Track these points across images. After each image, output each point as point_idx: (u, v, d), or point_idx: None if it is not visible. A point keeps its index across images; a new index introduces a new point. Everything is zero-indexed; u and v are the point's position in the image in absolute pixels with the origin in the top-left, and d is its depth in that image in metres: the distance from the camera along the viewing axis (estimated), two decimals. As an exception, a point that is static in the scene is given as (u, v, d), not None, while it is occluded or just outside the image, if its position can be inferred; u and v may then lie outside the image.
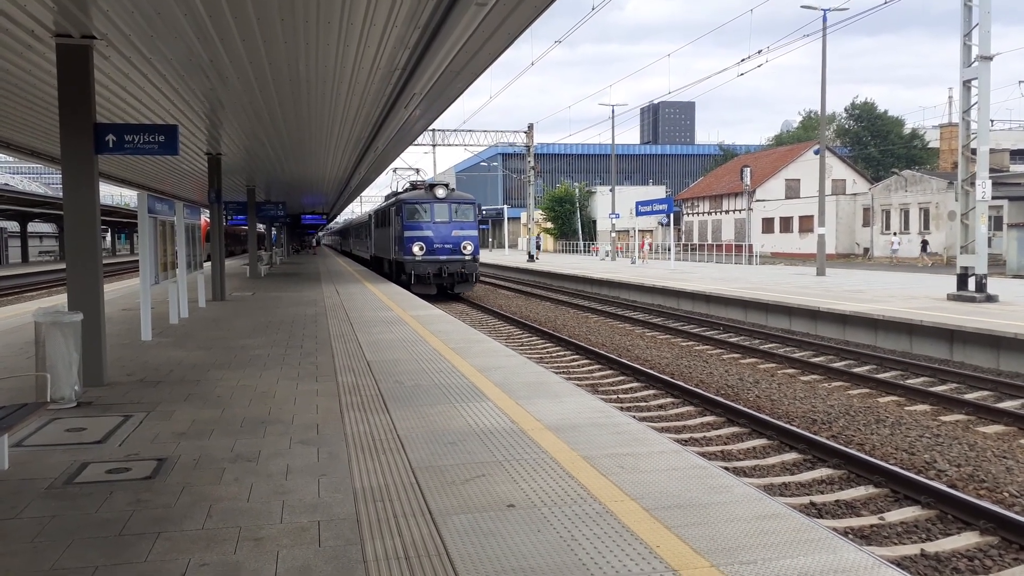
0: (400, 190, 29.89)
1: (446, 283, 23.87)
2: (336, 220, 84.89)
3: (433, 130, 41.79)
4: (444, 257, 23.68)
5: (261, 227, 41.20)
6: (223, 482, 4.66)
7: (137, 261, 11.42)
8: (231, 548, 3.68)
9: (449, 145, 43.34)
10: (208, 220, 21.58)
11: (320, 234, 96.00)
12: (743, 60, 24.93)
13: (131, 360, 9.16)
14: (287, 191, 31.37)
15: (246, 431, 5.84)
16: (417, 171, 33.14)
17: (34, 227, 65.15)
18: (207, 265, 18.52)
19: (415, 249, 23.46)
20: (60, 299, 15.38)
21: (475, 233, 24.45)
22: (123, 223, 66.05)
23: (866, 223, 49.71)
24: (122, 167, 20.26)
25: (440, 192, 24.35)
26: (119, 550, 3.67)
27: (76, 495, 4.45)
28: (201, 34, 7.50)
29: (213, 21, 7.08)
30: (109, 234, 74.37)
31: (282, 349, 9.95)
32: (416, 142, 24.30)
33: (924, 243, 42.53)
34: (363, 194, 70.78)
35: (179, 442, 5.55)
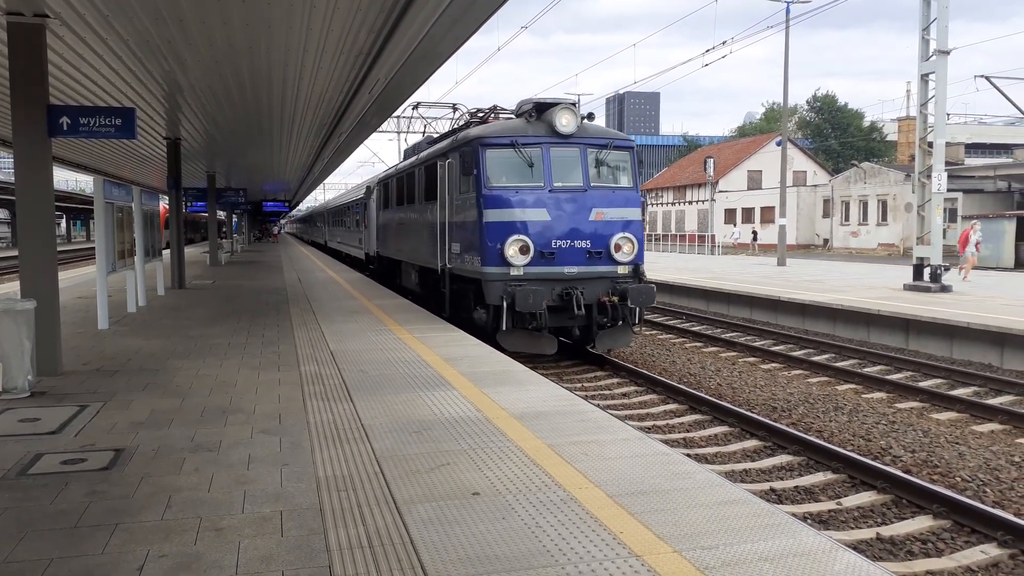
0: (454, 127, 15.39)
1: (578, 325, 11.07)
2: (299, 208, 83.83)
3: (398, 117, 41.40)
4: (575, 269, 10.92)
5: (222, 214, 40.54)
6: (183, 472, 4.58)
7: (93, 248, 11.15)
8: (191, 539, 3.63)
9: (414, 132, 42.98)
10: (167, 206, 20.97)
11: (282, 221, 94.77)
12: (707, 51, 25.13)
13: (87, 349, 8.96)
14: (248, 177, 30.89)
15: (207, 421, 5.75)
16: (454, 107, 17.52)
17: (-15, 212, 63.33)
18: (166, 252, 18.19)
19: (509, 252, 10.66)
20: (13, 287, 14.99)
21: (637, 214, 11.57)
22: (79, 209, 64.55)
23: (826, 214, 50.55)
24: (77, 151, 19.75)
25: (564, 121, 11.17)
26: (75, 542, 3.59)
27: (30, 487, 4.34)
28: (157, 15, 7.32)
29: (168, 2, 6.90)
30: (64, 220, 72.59)
31: (243, 338, 9.81)
32: (380, 129, 23.84)
33: (754, 233, 49.90)
34: (326, 181, 70.07)
35: (137, 432, 5.45)
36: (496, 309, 10.65)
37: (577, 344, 11.87)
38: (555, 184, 11.00)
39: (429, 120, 20.11)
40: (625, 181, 11.66)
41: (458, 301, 12.21)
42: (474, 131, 11.69)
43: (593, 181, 11.24)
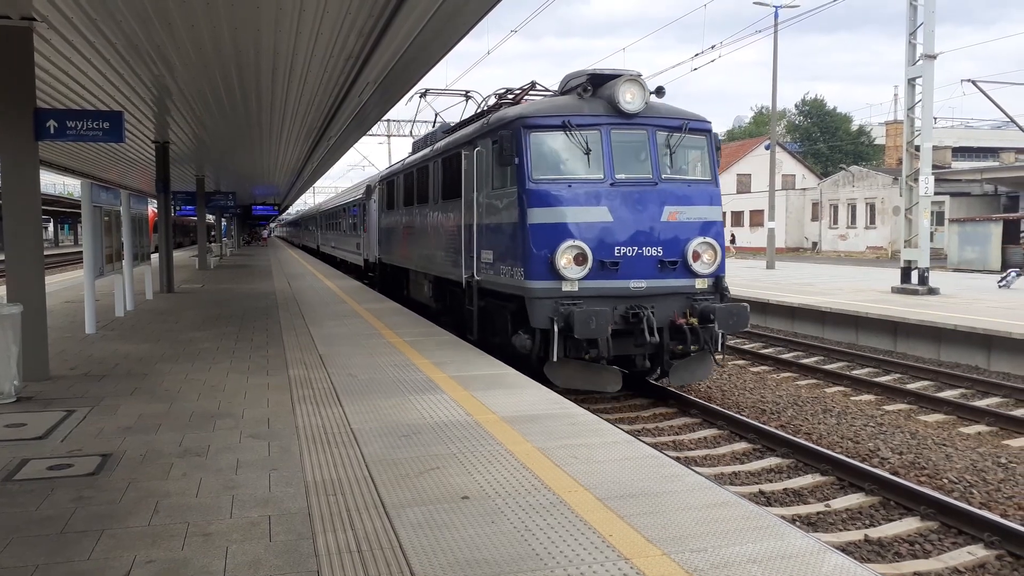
0: (480, 110, 12.45)
1: (646, 352, 8.88)
2: (288, 211, 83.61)
3: (388, 120, 41.44)
4: (643, 283, 8.78)
5: (211, 218, 40.39)
6: (171, 477, 4.56)
7: (81, 252, 11.09)
8: (179, 544, 3.61)
9: (404, 136, 42.97)
10: (156, 210, 20.82)
11: (272, 225, 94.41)
12: (696, 55, 25.24)
13: (74, 353, 8.90)
14: (238, 181, 30.79)
15: (195, 425, 5.73)
16: (466, 95, 15.05)
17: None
18: (154, 256, 18.11)
19: (561, 261, 8.48)
20: (-1, 291, 14.88)
21: (718, 213, 9.28)
22: (66, 213, 64.13)
23: (815, 217, 50.82)
24: (65, 155, 19.65)
25: (628, 96, 8.94)
26: (60, 548, 3.56)
27: (15, 492, 4.31)
28: (145, 18, 7.30)
29: (156, 5, 6.88)
30: (51, 224, 72.16)
31: (232, 342, 9.77)
32: (370, 132, 23.67)
33: (732, 236, 50.43)
34: (316, 185, 69.84)
35: (125, 437, 5.42)
36: (544, 334, 8.50)
37: (638, 376, 9.50)
38: (618, 176, 8.77)
39: (437, 114, 18.26)
40: (702, 172, 9.39)
41: (489, 322, 9.89)
42: (513, 110, 9.37)
43: (664, 172, 8.99)
